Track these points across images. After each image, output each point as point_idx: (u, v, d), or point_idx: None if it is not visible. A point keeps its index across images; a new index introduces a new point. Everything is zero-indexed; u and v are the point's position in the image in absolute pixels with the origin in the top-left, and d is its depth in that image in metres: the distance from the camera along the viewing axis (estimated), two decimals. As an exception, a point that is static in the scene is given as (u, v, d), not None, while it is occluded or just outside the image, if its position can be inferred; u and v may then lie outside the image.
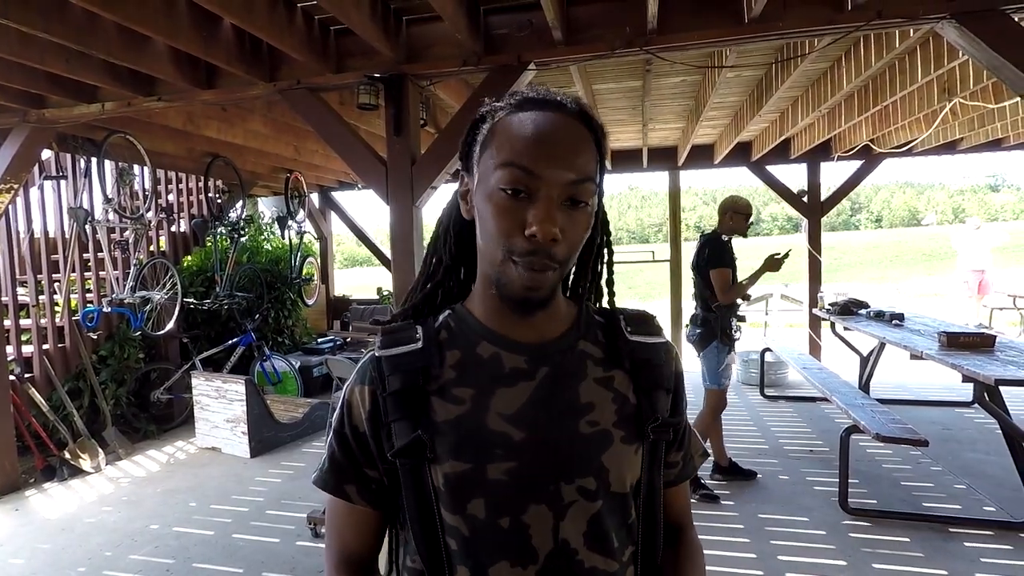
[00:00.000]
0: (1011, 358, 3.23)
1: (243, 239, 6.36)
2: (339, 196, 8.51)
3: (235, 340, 5.68)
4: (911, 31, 2.90)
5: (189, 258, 6.37)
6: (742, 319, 3.65)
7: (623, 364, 0.74)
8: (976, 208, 41.85)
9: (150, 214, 5.48)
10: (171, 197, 6.16)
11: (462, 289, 0.80)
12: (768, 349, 5.59)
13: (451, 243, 0.79)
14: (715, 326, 3.54)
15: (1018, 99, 3.70)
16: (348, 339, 7.44)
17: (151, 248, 5.58)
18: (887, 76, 4.04)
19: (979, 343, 3.46)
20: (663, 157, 7.03)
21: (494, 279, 0.69)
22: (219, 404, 4.69)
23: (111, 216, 5.06)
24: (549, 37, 2.88)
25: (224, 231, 5.98)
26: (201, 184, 5.73)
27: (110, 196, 4.87)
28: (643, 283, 19.58)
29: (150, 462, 4.57)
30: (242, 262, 6.55)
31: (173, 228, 5.90)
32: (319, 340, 7.34)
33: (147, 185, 5.35)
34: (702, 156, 6.91)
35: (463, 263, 0.80)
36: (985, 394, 3.12)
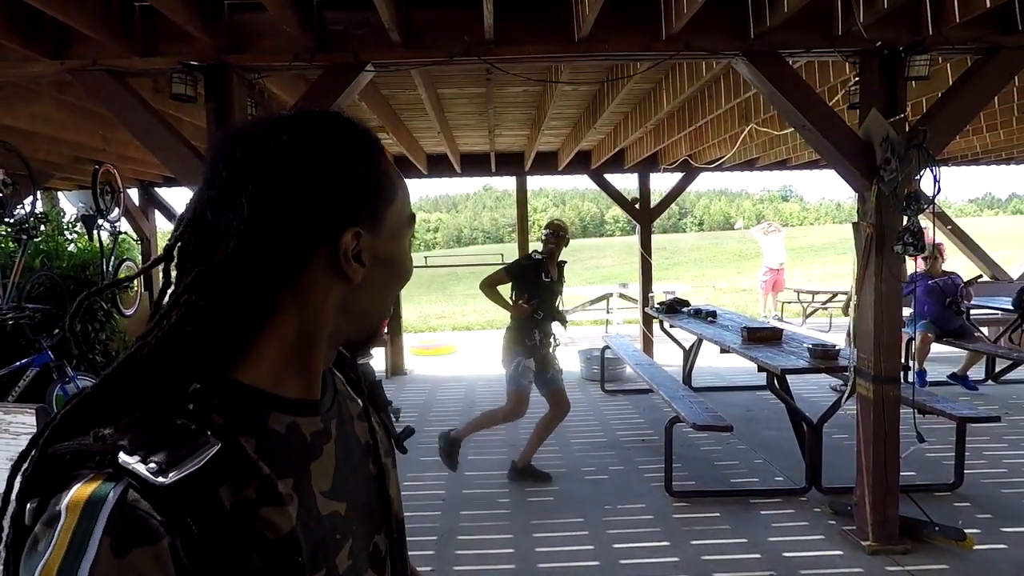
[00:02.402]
0: (793, 349, 3.81)
1: (36, 240, 5.40)
2: (165, 192, 7.61)
3: (25, 361, 4.80)
4: (714, 63, 3.29)
5: (-43, 263, 5.28)
6: (545, 336, 3.79)
7: (363, 392, 0.73)
8: (772, 214, 49.11)
9: None
10: (-71, 189, 5.04)
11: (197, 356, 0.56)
12: (607, 347, 6.01)
13: (263, 299, 0.58)
14: (514, 334, 3.75)
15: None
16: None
17: (-101, 251, 4.53)
18: (699, 100, 4.54)
19: (771, 337, 4.03)
20: (511, 162, 7.24)
21: (364, 329, 0.65)
22: (0, 440, 3.93)
23: None
24: (387, 38, 2.80)
25: (8, 231, 5.03)
26: (-28, 174, 4.76)
27: None
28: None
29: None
30: (35, 267, 5.57)
31: (-68, 227, 4.84)
32: (139, 354, 6.47)
33: None
34: (547, 163, 7.24)
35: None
36: (775, 380, 3.63)
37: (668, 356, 6.68)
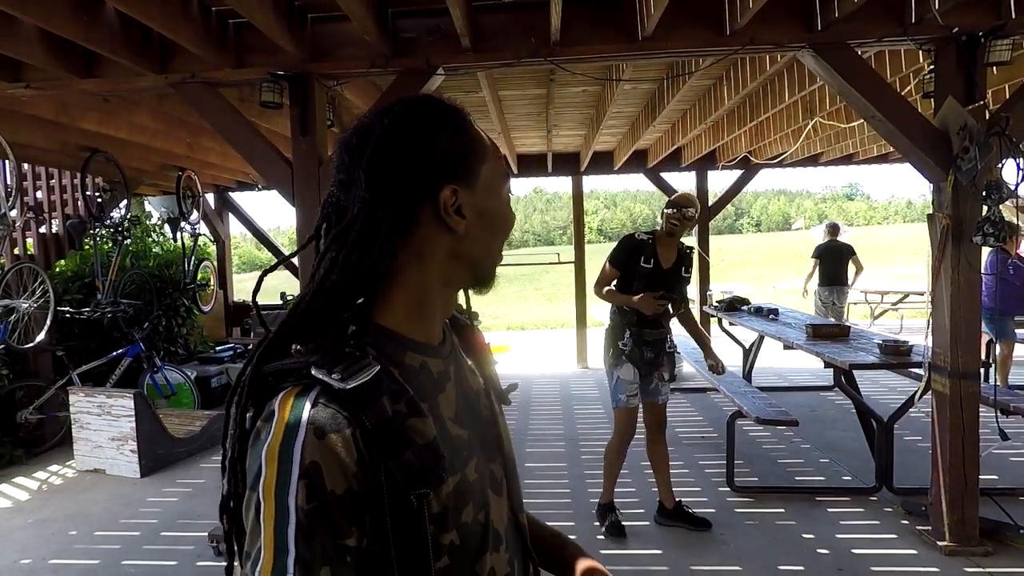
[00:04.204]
0: (862, 345, 3.72)
1: (128, 241, 5.88)
2: (237, 197, 8.09)
3: (120, 351, 5.23)
4: (778, 56, 3.27)
5: (64, 262, 5.80)
6: (650, 339, 3.07)
7: (473, 352, 0.84)
8: (835, 213, 47.08)
9: (14, 213, 4.93)
10: (40, 194, 5.57)
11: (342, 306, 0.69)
12: (665, 344, 5.97)
13: (386, 251, 0.68)
14: (608, 337, 3.14)
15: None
16: (249, 346, 7.08)
17: (16, 251, 5.02)
18: (761, 95, 4.49)
19: (838, 333, 3.95)
20: (567, 162, 7.32)
21: (478, 275, 0.75)
22: (102, 421, 4.31)
23: (-35, 215, 4.50)
24: (457, 43, 2.94)
25: (105, 233, 5.51)
26: (77, 181, 5.23)
27: (-36, 193, 4.34)
28: (548, 284, 20.11)
29: (18, 491, 4.11)
30: (127, 266, 6.06)
31: (43, 229, 5.34)
32: (217, 348, 6.92)
33: (10, 181, 4.81)
34: (603, 162, 7.27)
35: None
36: (842, 377, 3.56)
37: (727, 356, 6.55)
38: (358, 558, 0.59)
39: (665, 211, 3.08)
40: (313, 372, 0.60)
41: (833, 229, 7.21)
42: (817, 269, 7.09)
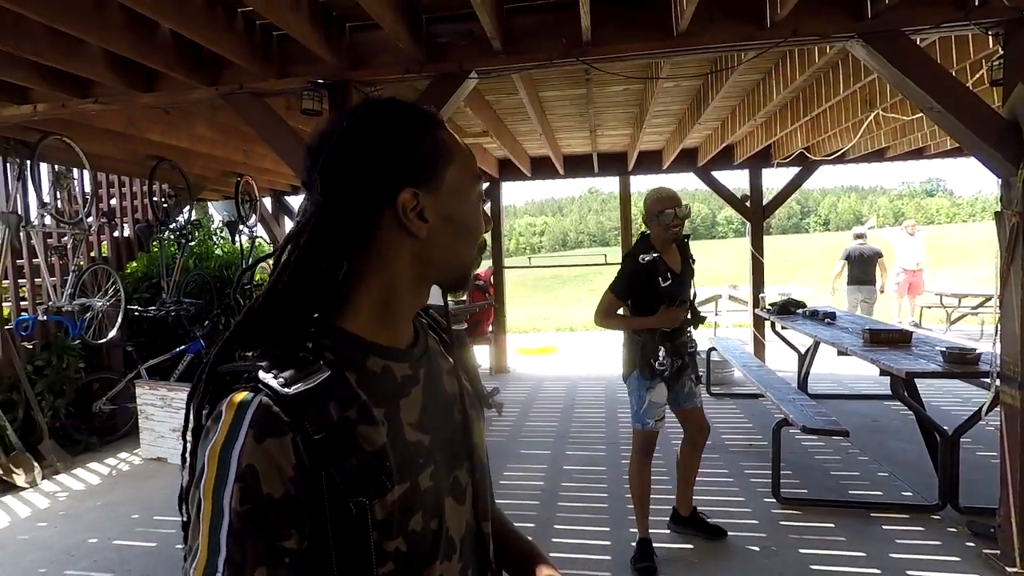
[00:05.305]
0: (924, 353, 3.47)
1: (191, 244, 6.23)
2: (293, 201, 8.41)
3: (183, 347, 5.55)
4: (827, 48, 3.10)
5: (133, 264, 6.20)
6: (679, 346, 2.86)
7: (454, 353, 0.83)
8: (913, 212, 44.26)
9: (90, 219, 5.32)
10: (113, 201, 6.00)
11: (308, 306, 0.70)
12: (714, 348, 5.79)
13: (339, 254, 0.68)
14: (635, 352, 2.84)
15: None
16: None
17: (91, 254, 5.41)
18: (814, 88, 4.27)
19: (898, 339, 3.70)
20: (613, 162, 7.20)
21: (448, 279, 0.74)
22: (165, 413, 4.59)
23: (47, 221, 4.89)
24: (489, 46, 2.95)
25: (171, 236, 5.86)
26: (146, 188, 5.59)
27: (46, 200, 4.72)
28: (601, 285, 19.83)
29: (90, 475, 4.43)
30: (190, 267, 6.42)
31: (116, 233, 5.75)
32: (272, 346, 7.20)
33: (87, 189, 5.20)
34: (651, 161, 7.12)
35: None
36: (902, 386, 3.33)
37: (781, 360, 6.30)
38: (299, 560, 0.60)
39: (661, 220, 2.74)
40: (260, 376, 0.62)
41: (860, 234, 8.42)
42: (846, 270, 8.04)
